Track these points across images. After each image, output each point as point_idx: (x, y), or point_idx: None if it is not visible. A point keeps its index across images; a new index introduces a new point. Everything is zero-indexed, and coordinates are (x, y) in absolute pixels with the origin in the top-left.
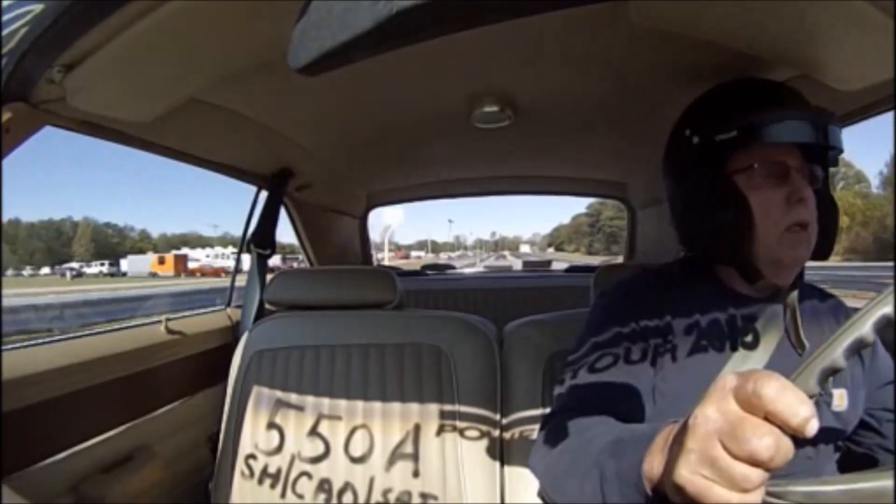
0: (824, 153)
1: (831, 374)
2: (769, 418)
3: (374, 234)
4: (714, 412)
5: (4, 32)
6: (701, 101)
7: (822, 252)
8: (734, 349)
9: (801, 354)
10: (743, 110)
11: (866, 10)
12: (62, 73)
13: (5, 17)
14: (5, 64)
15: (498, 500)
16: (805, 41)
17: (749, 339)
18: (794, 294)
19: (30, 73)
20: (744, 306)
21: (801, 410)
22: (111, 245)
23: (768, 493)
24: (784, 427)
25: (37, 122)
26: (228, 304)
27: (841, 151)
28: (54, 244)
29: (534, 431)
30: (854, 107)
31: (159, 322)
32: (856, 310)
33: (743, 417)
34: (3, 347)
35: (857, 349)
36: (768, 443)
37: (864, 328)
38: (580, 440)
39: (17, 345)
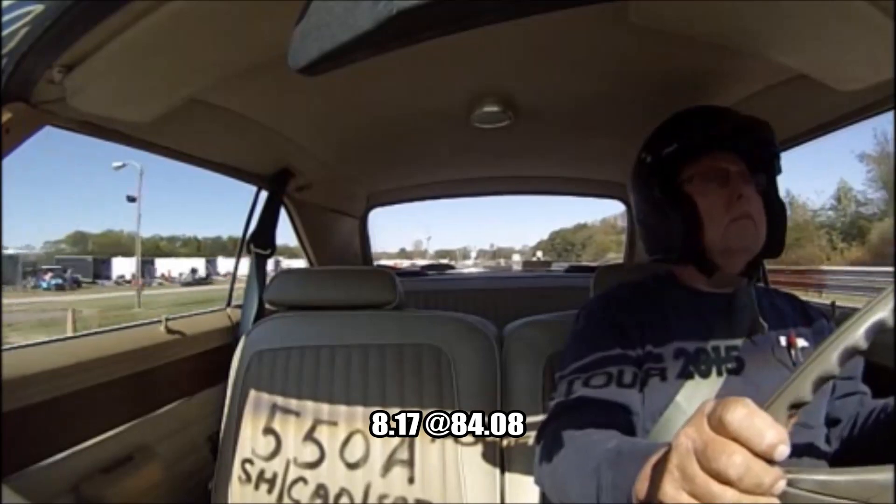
0: (767, 163)
1: (825, 382)
2: (739, 442)
3: (409, 245)
4: (693, 432)
5: (4, 32)
6: (654, 130)
7: (773, 249)
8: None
9: (764, 335)
10: (682, 128)
11: (866, 10)
12: (62, 73)
13: (5, 18)
14: (5, 64)
15: (498, 502)
16: (805, 41)
17: (721, 331)
18: (752, 286)
19: (30, 73)
20: (709, 300)
21: (767, 436)
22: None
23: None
24: (753, 451)
25: (37, 122)
26: (228, 305)
27: (776, 156)
28: (221, 253)
29: (534, 433)
30: (854, 107)
31: (159, 322)
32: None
33: (714, 438)
34: (3, 347)
35: (851, 356)
36: (736, 461)
37: (857, 334)
38: (584, 440)
39: (18, 345)
